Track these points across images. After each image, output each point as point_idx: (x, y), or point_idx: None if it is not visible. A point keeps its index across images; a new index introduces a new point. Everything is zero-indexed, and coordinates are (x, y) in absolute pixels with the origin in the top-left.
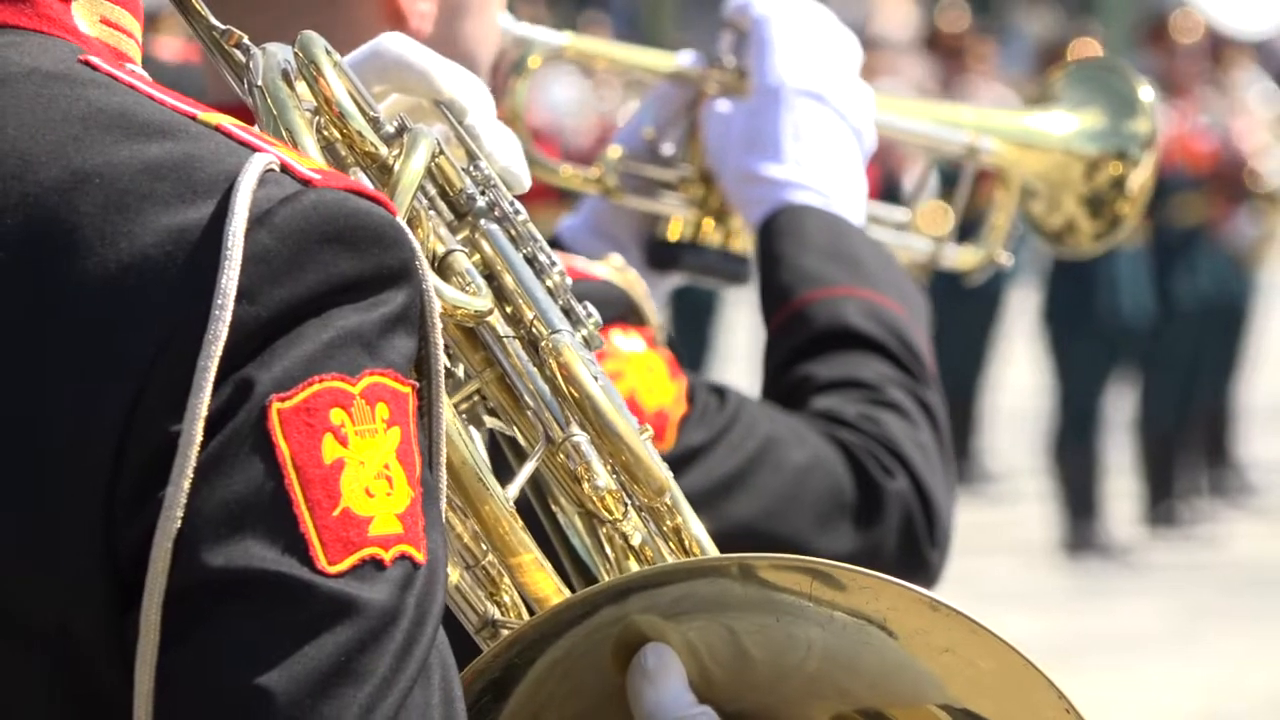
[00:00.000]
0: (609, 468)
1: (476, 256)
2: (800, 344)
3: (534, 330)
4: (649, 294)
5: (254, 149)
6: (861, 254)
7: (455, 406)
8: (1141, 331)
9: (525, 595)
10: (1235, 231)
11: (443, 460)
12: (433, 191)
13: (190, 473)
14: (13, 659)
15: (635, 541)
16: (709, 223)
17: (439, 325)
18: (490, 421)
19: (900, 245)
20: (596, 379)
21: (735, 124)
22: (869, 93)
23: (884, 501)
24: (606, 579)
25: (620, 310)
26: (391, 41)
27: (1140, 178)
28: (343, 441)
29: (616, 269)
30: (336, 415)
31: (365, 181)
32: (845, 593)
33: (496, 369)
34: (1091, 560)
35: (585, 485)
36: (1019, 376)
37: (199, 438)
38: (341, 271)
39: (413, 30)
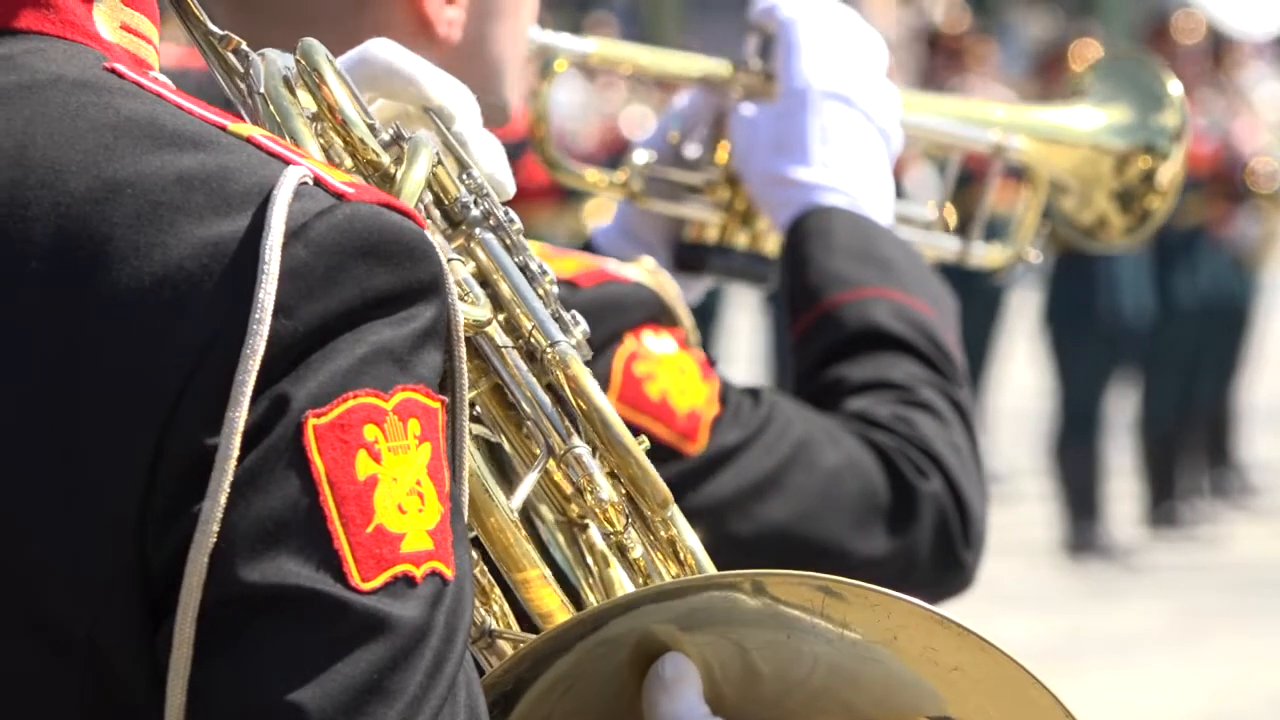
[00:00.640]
0: (611, 480)
1: (472, 265)
2: (831, 346)
3: (532, 340)
4: (681, 296)
5: (287, 161)
6: (890, 255)
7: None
8: (1142, 332)
9: (529, 608)
10: (1236, 232)
11: (465, 473)
12: (428, 199)
13: (227, 487)
14: (47, 668)
15: (635, 554)
16: (735, 225)
17: (463, 339)
18: (476, 429)
19: (927, 244)
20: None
21: (762, 126)
22: (895, 93)
23: (919, 503)
24: (590, 593)
25: (652, 312)
26: (379, 48)
27: (1170, 171)
28: (376, 458)
29: (649, 271)
30: (370, 431)
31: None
32: (856, 609)
33: (491, 379)
34: (1093, 561)
35: (588, 497)
36: (1020, 377)
37: (236, 452)
38: (375, 286)
39: (441, 37)
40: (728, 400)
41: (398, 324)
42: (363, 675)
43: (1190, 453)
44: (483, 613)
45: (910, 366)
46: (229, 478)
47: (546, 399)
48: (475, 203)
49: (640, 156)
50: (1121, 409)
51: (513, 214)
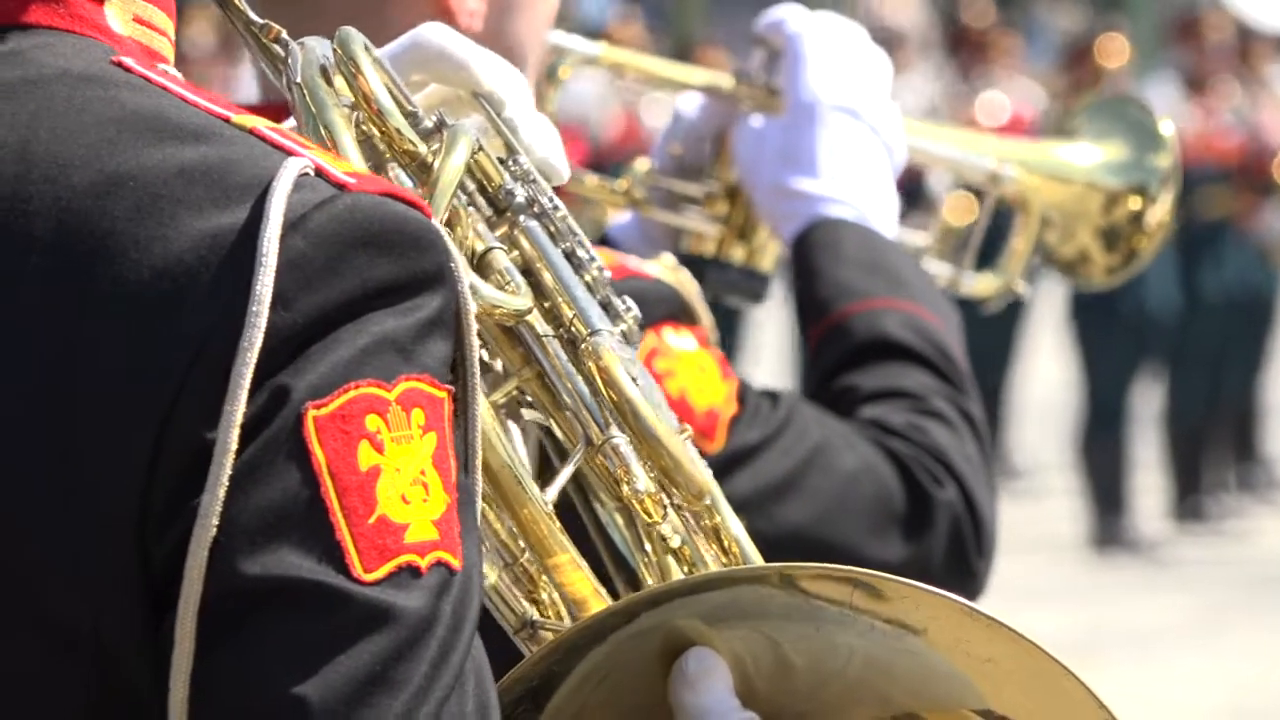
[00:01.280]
0: (648, 470)
1: (515, 253)
2: (842, 356)
3: (573, 329)
4: (700, 294)
5: (289, 153)
6: (898, 266)
7: (494, 403)
8: (1168, 326)
9: (562, 594)
10: (1262, 225)
11: (478, 463)
12: (472, 187)
13: (226, 480)
14: (51, 666)
15: (675, 543)
16: (732, 239)
17: (474, 328)
18: (528, 414)
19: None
20: (636, 380)
21: (769, 139)
22: (898, 111)
23: (933, 511)
24: (647, 576)
25: (672, 309)
26: (432, 32)
27: (1159, 214)
28: (378, 448)
29: (669, 268)
30: (372, 422)
31: (405, 179)
32: (887, 603)
33: (535, 367)
34: (1119, 555)
35: (624, 488)
36: (1046, 371)
37: (234, 445)
38: (377, 276)
39: (462, 28)
40: (746, 400)
41: (402, 314)
42: (366, 666)
43: (1216, 447)
44: (524, 603)
45: (921, 376)
46: (227, 471)
47: (585, 389)
48: (520, 189)
49: (642, 165)
50: (1147, 403)
51: (559, 200)
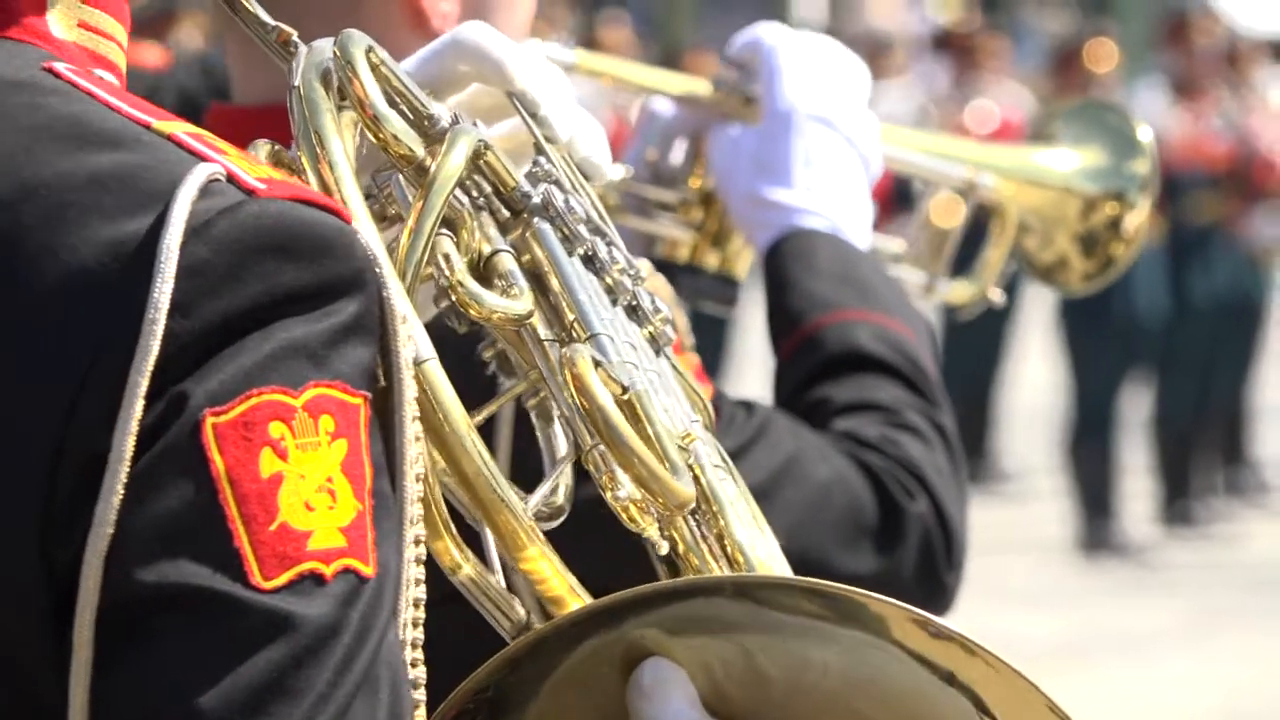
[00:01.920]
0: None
1: (528, 256)
2: (814, 368)
3: (573, 333)
4: (676, 299)
5: (202, 158)
6: (870, 279)
7: (524, 402)
8: (1157, 330)
9: (540, 596)
10: (1251, 230)
11: (407, 469)
12: (488, 189)
13: (120, 489)
14: None
15: (662, 550)
16: (706, 246)
17: (401, 333)
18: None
19: (894, 277)
20: (633, 385)
21: (745, 147)
22: (875, 121)
23: (905, 523)
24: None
25: None
26: (470, 30)
27: (1136, 220)
28: (282, 455)
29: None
30: (276, 428)
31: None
32: (843, 613)
33: (538, 371)
34: (1107, 559)
35: (609, 495)
36: (1034, 375)
37: (129, 453)
38: (284, 283)
39: (434, 29)
40: (721, 409)
41: (314, 320)
42: (263, 675)
43: (1205, 451)
44: (520, 610)
45: (893, 389)
46: (121, 479)
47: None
48: (538, 191)
49: (616, 171)
50: (1136, 407)
51: (581, 201)
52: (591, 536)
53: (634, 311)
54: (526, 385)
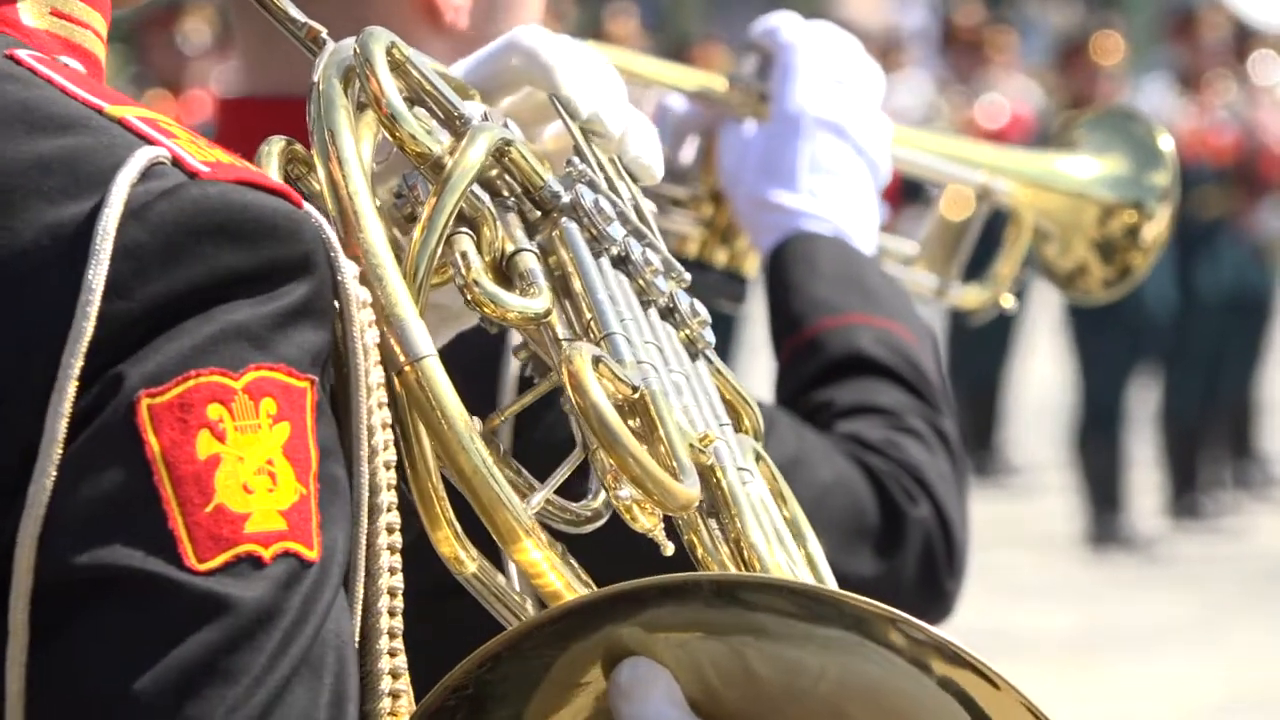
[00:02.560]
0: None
1: (555, 256)
2: (816, 371)
3: (591, 332)
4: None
5: (150, 141)
6: (873, 283)
7: (562, 404)
8: (1165, 324)
9: (539, 593)
10: (1258, 224)
11: (364, 454)
12: (519, 189)
13: (53, 471)
14: None
15: (668, 552)
16: (715, 242)
17: (358, 319)
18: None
19: (907, 280)
20: (635, 386)
21: (753, 148)
22: (889, 125)
23: (907, 527)
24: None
25: None
26: (525, 34)
27: (1154, 230)
28: (220, 437)
29: None
30: (214, 410)
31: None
32: (829, 616)
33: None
34: (1115, 553)
35: (611, 494)
36: (1042, 369)
37: (61, 435)
38: (226, 265)
39: (447, 24)
40: None
41: (259, 303)
42: (196, 657)
43: (1212, 445)
44: (529, 606)
45: (896, 393)
46: (54, 461)
47: None
48: (567, 191)
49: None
50: (1144, 401)
51: (604, 202)
52: (603, 538)
53: (671, 314)
54: (549, 385)
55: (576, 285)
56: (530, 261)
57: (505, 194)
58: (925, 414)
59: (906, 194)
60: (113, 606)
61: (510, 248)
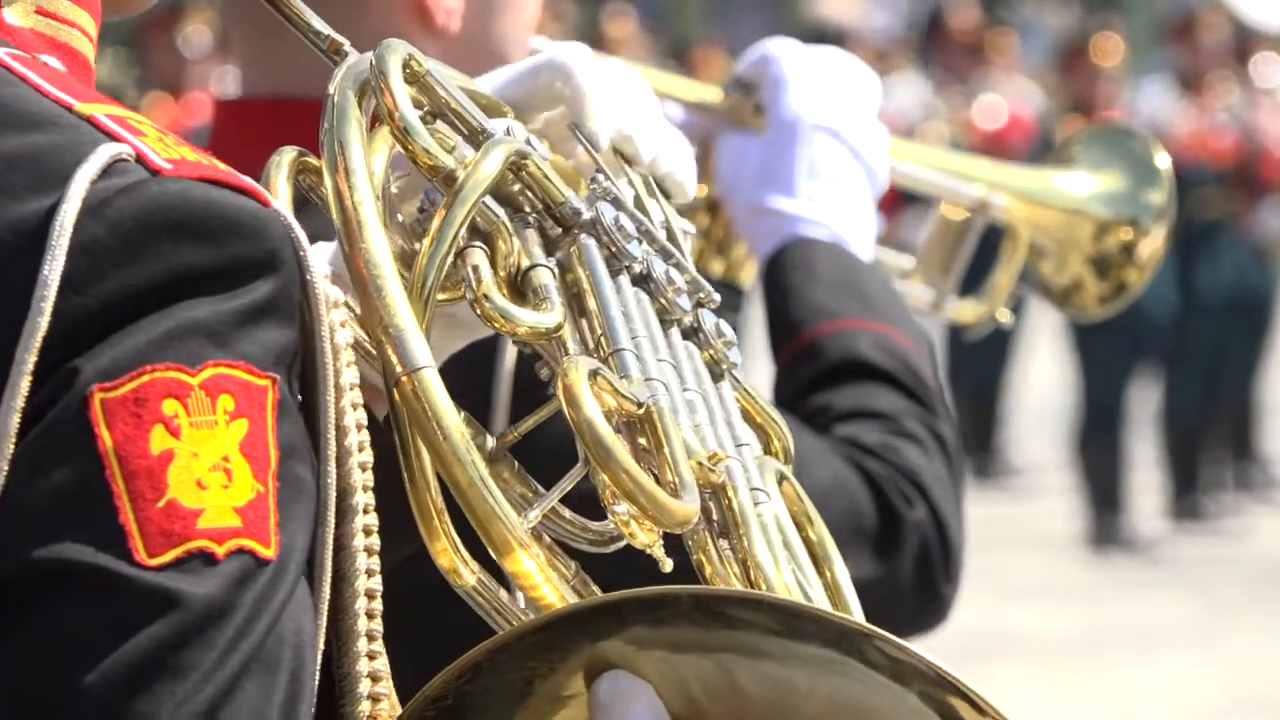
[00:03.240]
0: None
1: (572, 274)
2: (814, 376)
3: (601, 348)
4: None
5: (115, 139)
6: (871, 288)
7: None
8: (1165, 325)
9: (529, 602)
10: (1259, 225)
11: (331, 454)
12: (539, 205)
13: (5, 465)
14: None
15: (667, 568)
16: (711, 252)
17: (326, 319)
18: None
19: (903, 293)
20: (670, 403)
21: (750, 155)
22: (884, 134)
23: (903, 531)
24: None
25: None
26: (561, 53)
27: (1150, 247)
28: (174, 433)
29: None
30: (170, 406)
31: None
32: (802, 630)
33: None
34: (1115, 554)
35: (609, 509)
36: (1043, 370)
37: (13, 429)
38: (185, 262)
39: (439, 27)
40: None
41: (221, 300)
42: (143, 653)
43: (1213, 446)
44: (524, 616)
45: (893, 398)
46: (6, 456)
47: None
48: (588, 208)
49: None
50: (1144, 402)
51: (625, 219)
52: (625, 557)
53: (694, 333)
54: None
55: (591, 302)
56: (544, 277)
57: (526, 209)
58: (922, 418)
59: (904, 195)
60: (64, 601)
61: (525, 263)
